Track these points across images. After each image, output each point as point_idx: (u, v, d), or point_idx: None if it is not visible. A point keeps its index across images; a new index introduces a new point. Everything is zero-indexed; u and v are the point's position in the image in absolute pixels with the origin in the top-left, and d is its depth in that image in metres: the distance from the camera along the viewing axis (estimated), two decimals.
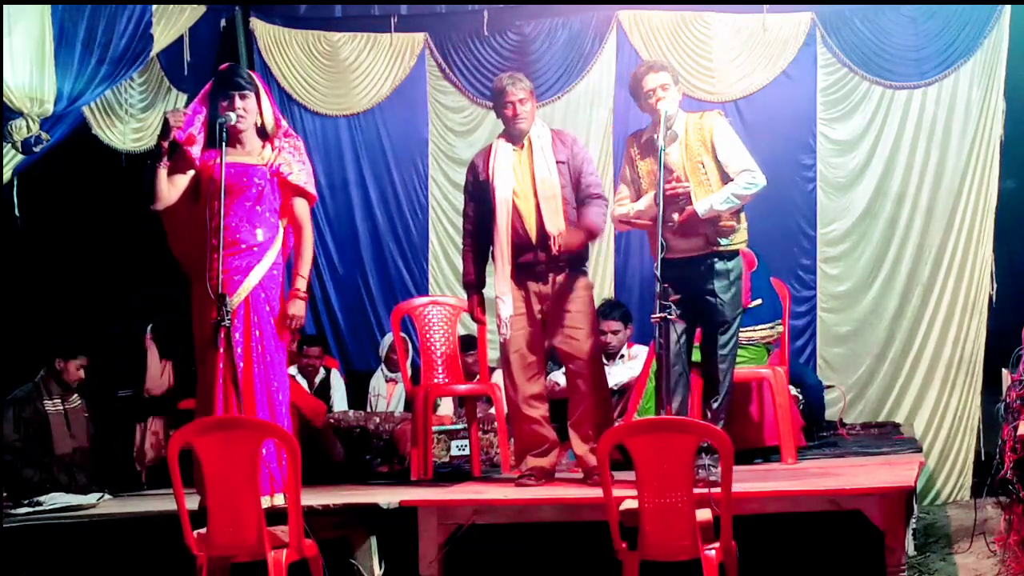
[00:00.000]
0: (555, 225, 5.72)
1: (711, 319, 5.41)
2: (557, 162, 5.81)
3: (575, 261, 5.81)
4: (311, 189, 5.69)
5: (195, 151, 5.50)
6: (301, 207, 5.68)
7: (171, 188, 5.45)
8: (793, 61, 8.33)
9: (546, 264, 5.78)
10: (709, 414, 5.45)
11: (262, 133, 5.60)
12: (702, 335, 5.46)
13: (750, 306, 6.51)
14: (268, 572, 4.66)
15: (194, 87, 5.82)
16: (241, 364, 5.34)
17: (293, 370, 7.71)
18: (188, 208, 5.50)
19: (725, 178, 5.45)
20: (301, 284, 5.58)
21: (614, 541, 4.54)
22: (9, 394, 7.03)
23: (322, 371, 8.32)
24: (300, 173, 5.63)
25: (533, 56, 8.72)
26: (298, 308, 5.54)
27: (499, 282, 5.80)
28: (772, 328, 6.63)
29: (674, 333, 5.29)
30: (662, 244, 5.21)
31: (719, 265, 5.43)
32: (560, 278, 5.79)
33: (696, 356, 5.63)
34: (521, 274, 5.81)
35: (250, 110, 5.52)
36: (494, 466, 7.08)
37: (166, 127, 5.41)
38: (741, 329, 6.48)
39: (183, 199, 5.49)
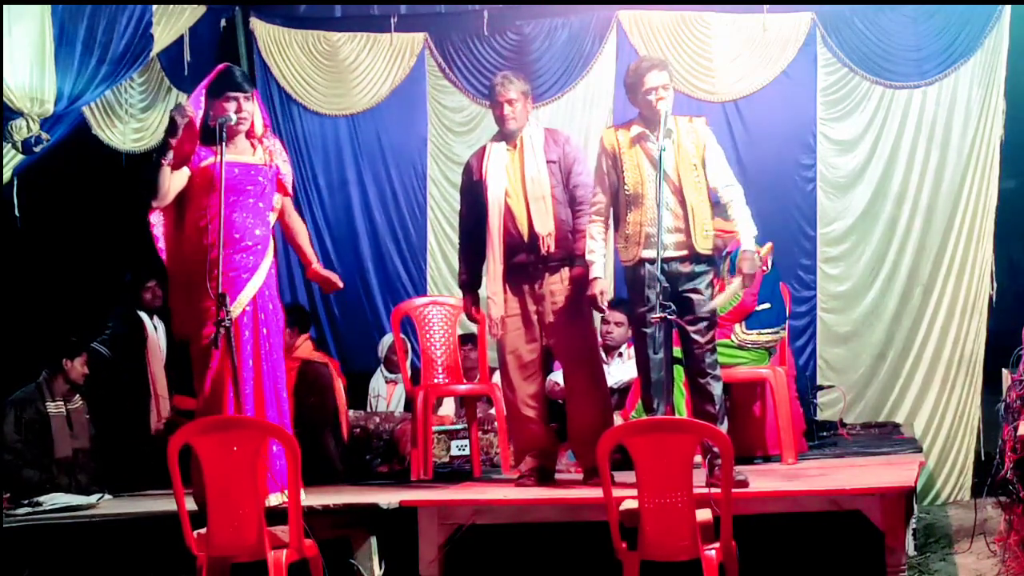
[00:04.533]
0: (544, 226, 5.72)
1: (695, 314, 5.39)
2: (548, 162, 5.81)
3: (571, 260, 5.80)
4: (291, 188, 5.87)
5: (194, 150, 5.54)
6: (288, 203, 5.85)
7: (171, 186, 5.47)
8: (793, 61, 8.32)
9: (539, 264, 5.78)
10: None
11: (250, 133, 5.64)
12: (684, 333, 5.42)
13: (757, 309, 6.52)
14: (268, 572, 4.66)
15: (194, 87, 5.84)
16: (250, 362, 5.38)
17: None
18: (181, 208, 5.52)
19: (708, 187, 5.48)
20: (314, 257, 5.96)
21: (614, 541, 4.54)
22: (9, 394, 7.02)
23: None
24: (289, 174, 5.82)
25: (533, 56, 8.72)
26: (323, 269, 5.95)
27: (490, 283, 5.80)
28: (776, 333, 6.63)
29: (660, 332, 5.30)
30: (662, 243, 5.22)
31: (699, 267, 5.43)
32: (554, 278, 5.79)
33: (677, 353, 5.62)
34: (515, 275, 5.82)
35: (251, 111, 5.56)
36: (494, 466, 7.08)
37: (173, 125, 5.42)
38: (746, 332, 6.51)
39: (175, 200, 5.52)
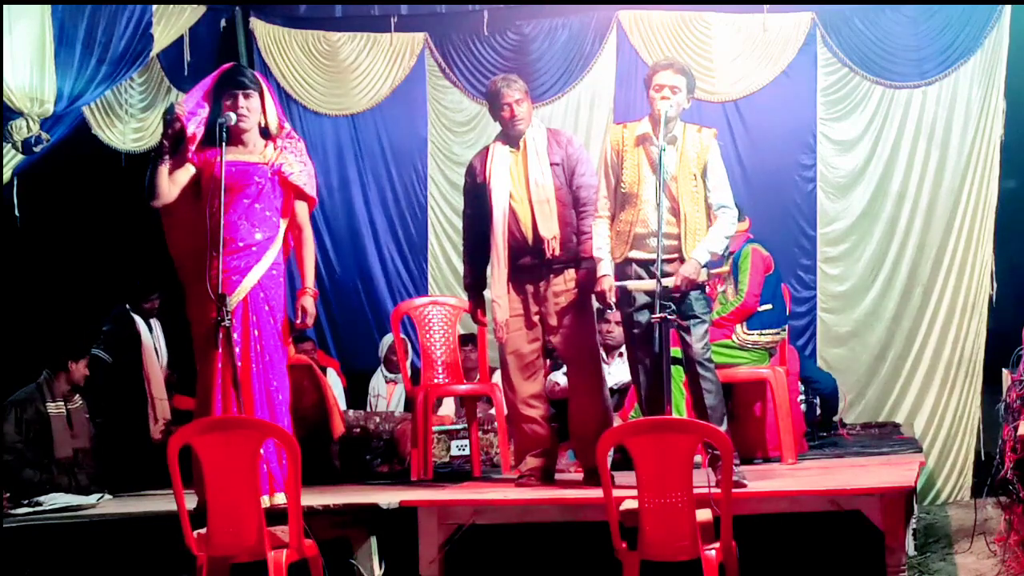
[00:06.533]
0: (549, 229, 5.72)
1: (685, 313, 5.36)
2: (551, 164, 5.79)
3: (575, 262, 5.80)
4: (311, 191, 5.71)
5: (192, 148, 5.51)
6: (301, 209, 5.73)
7: (171, 185, 5.46)
8: (793, 61, 8.32)
9: (543, 266, 5.78)
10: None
11: (264, 133, 5.62)
12: (677, 331, 5.42)
13: (759, 310, 6.52)
14: (268, 572, 4.66)
15: (194, 87, 5.84)
16: (239, 364, 5.34)
17: None
18: (189, 207, 5.51)
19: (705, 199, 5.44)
20: (309, 282, 5.68)
21: (614, 541, 4.54)
22: (9, 395, 7.03)
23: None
24: (301, 174, 5.66)
25: (533, 56, 8.73)
26: (309, 303, 5.64)
27: (495, 285, 5.80)
28: (777, 334, 6.63)
29: (655, 332, 5.28)
30: (661, 245, 5.21)
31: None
32: (558, 279, 5.79)
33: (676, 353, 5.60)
34: (519, 276, 5.81)
35: (253, 109, 5.54)
36: (494, 466, 7.08)
37: (167, 124, 5.43)
38: (747, 332, 6.51)
39: (184, 197, 5.50)
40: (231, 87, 5.52)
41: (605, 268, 5.51)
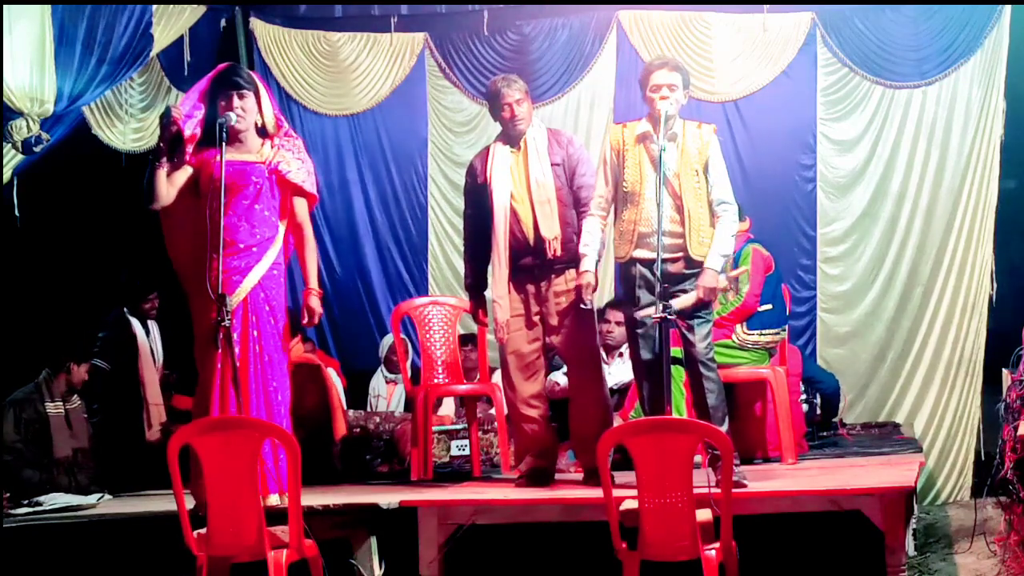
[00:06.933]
0: (550, 230, 5.72)
1: (688, 313, 5.36)
2: (552, 164, 5.80)
3: (576, 263, 5.79)
4: (310, 188, 5.69)
5: (190, 149, 5.51)
6: (300, 206, 5.71)
7: (169, 187, 5.46)
8: (793, 61, 8.32)
9: (544, 266, 5.78)
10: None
11: (262, 132, 5.61)
12: (680, 332, 5.41)
13: (759, 310, 6.52)
14: (268, 572, 4.66)
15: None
16: (238, 364, 5.34)
17: None
18: (188, 208, 5.50)
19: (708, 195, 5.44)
20: (313, 282, 5.67)
21: (614, 541, 4.55)
22: (9, 395, 7.02)
23: None
24: (299, 172, 5.64)
25: (533, 56, 8.73)
26: (316, 303, 5.64)
27: (496, 285, 5.80)
28: (777, 334, 6.63)
29: (655, 332, 5.28)
30: (661, 244, 5.21)
31: (689, 269, 5.39)
32: (559, 280, 5.79)
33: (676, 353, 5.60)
34: (520, 276, 5.82)
35: (249, 109, 5.53)
36: (494, 466, 7.08)
37: (163, 127, 5.43)
38: (747, 332, 6.51)
39: (183, 198, 5.50)
40: (227, 87, 5.51)
41: (587, 264, 5.54)
